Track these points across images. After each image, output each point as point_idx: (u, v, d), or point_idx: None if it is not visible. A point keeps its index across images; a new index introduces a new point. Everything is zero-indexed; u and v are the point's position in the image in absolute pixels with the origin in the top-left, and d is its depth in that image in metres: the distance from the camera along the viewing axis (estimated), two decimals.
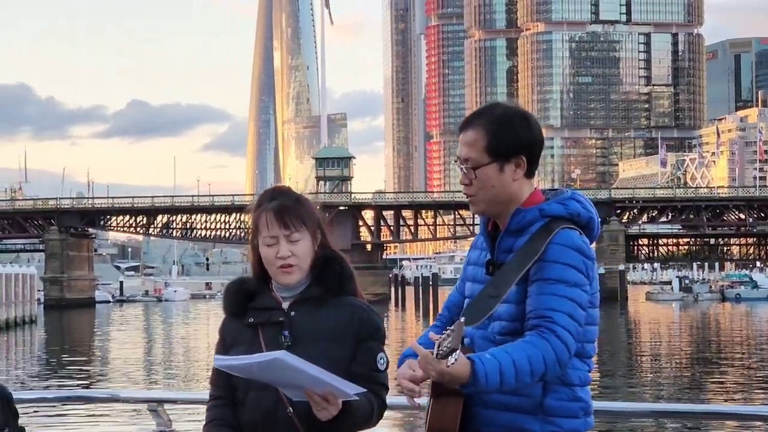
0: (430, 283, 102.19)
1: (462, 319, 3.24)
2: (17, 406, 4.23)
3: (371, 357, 3.59)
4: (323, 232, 3.70)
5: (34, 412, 21.47)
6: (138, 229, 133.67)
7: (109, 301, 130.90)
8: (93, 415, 23.42)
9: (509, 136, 3.63)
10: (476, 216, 3.87)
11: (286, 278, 3.62)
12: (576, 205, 3.64)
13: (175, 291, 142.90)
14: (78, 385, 35.66)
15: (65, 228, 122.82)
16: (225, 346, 3.68)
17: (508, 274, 3.52)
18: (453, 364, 3.23)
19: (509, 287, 3.49)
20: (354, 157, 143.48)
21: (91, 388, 33.39)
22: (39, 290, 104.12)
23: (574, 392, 3.60)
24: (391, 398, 3.79)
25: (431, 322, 3.93)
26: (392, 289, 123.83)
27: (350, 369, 3.53)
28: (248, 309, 3.67)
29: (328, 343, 3.55)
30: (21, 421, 4.21)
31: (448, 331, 3.23)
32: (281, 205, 3.62)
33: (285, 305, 3.63)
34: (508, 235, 3.64)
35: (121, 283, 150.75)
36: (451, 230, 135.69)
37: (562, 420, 3.57)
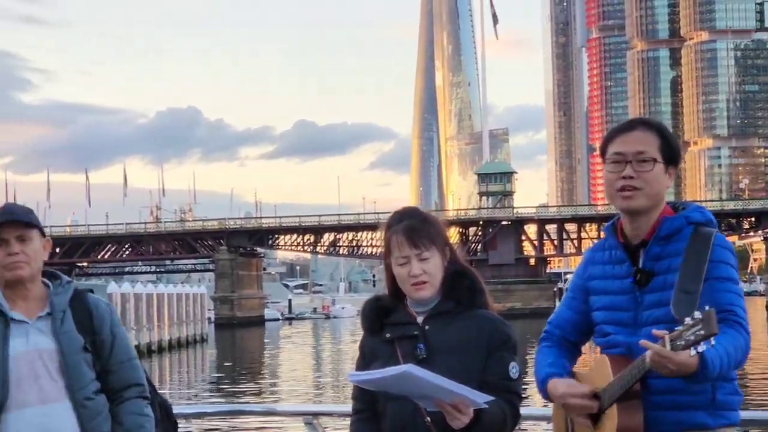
0: None
1: (708, 308, 3.27)
2: (182, 420, 4.48)
3: (503, 366, 3.73)
4: (452, 248, 3.89)
5: (198, 425, 22.12)
6: (305, 247, 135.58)
7: (278, 319, 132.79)
8: (250, 430, 23.94)
9: (674, 144, 3.84)
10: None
11: (419, 294, 3.80)
12: (707, 213, 3.81)
13: (342, 308, 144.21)
14: (241, 400, 36.45)
15: (234, 248, 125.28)
16: (365, 362, 3.89)
17: (693, 272, 3.63)
18: (695, 354, 3.30)
19: (700, 284, 3.60)
20: (516, 172, 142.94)
21: (254, 402, 34.08)
22: (209, 309, 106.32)
23: (734, 386, 3.77)
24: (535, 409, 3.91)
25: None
26: (557, 303, 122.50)
27: (483, 378, 3.68)
28: (385, 325, 3.87)
29: (461, 354, 3.71)
30: None
31: (689, 323, 3.28)
32: (410, 226, 3.81)
33: (419, 320, 3.82)
34: (657, 243, 3.77)
35: (290, 301, 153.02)
36: None
37: (729, 413, 3.74)
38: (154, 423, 4.20)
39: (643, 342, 3.42)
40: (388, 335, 3.83)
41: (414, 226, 3.81)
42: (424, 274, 3.77)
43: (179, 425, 4.55)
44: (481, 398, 3.48)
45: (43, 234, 4.19)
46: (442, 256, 3.82)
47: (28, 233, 4.10)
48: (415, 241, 3.77)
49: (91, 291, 4.36)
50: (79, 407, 4.01)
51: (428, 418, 3.63)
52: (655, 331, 3.39)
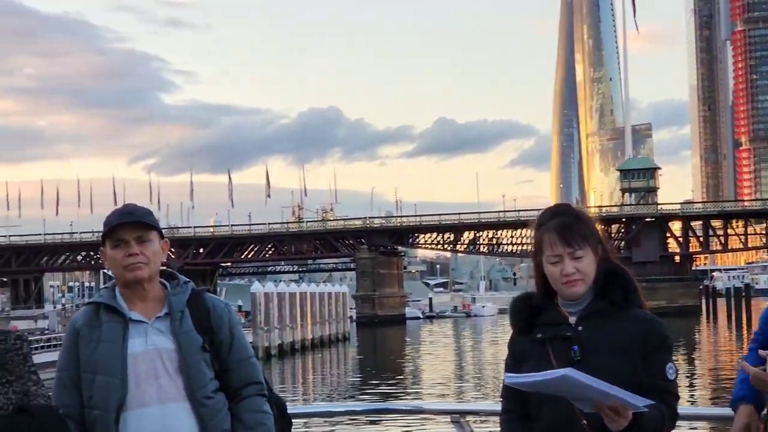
0: (743, 294, 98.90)
1: None
2: (328, 419, 4.50)
3: (660, 367, 3.62)
4: (604, 246, 3.78)
5: (345, 423, 22.24)
6: (445, 245, 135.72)
7: (419, 318, 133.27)
8: (396, 428, 24.00)
9: None
10: None
11: (572, 291, 3.69)
12: None
13: (483, 306, 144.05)
14: (387, 399, 36.61)
15: (375, 246, 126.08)
16: (515, 362, 3.79)
17: None
18: None
19: None
20: (659, 168, 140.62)
21: (397, 400, 34.18)
22: (351, 308, 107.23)
23: None
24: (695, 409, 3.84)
25: (744, 335, 3.95)
26: (703, 301, 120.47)
27: (639, 380, 3.58)
28: (535, 325, 3.78)
29: (616, 355, 3.60)
30: (328, 430, 4.48)
31: None
32: (563, 224, 3.71)
33: (572, 320, 3.71)
34: None
35: (430, 299, 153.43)
36: (764, 239, 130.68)
37: None
38: (273, 421, 4.19)
39: (742, 364, 3.36)
40: (539, 335, 3.74)
41: (567, 224, 3.71)
42: (577, 272, 3.67)
43: (326, 424, 4.57)
44: (640, 401, 3.40)
45: (161, 235, 4.21)
46: (595, 254, 3.72)
47: (148, 234, 4.12)
48: (568, 239, 3.68)
49: (209, 290, 4.39)
50: (199, 406, 4.02)
51: (585, 421, 3.56)
52: (762, 352, 3.32)
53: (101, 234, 4.18)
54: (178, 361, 4.03)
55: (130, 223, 4.10)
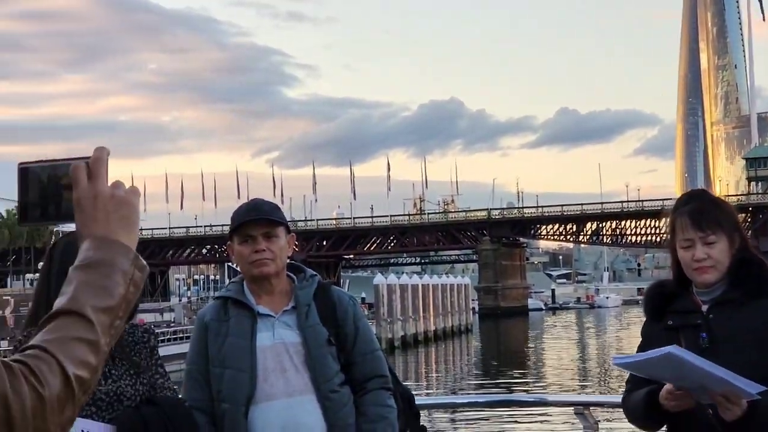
0: None
1: None
2: (451, 410, 4.48)
3: None
4: (742, 235, 3.71)
5: (468, 415, 22.22)
6: (568, 236, 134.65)
7: (541, 309, 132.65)
8: (519, 419, 23.91)
9: None
10: None
11: (702, 278, 3.63)
12: None
13: (607, 297, 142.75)
14: (509, 390, 36.48)
15: (497, 238, 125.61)
16: (645, 348, 3.75)
17: None
18: None
19: None
20: None
21: (520, 392, 34.07)
22: (473, 300, 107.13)
23: None
24: None
25: None
26: None
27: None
28: (667, 312, 3.73)
29: (746, 345, 3.52)
30: (453, 422, 4.46)
31: None
32: (696, 209, 3.65)
33: (704, 308, 3.65)
34: None
35: (553, 290, 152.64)
36: None
37: None
38: (397, 414, 4.19)
39: None
40: (670, 322, 3.70)
41: (700, 209, 3.65)
42: (709, 259, 3.61)
43: (446, 415, 4.55)
44: (754, 388, 3.31)
45: (288, 230, 4.24)
46: (730, 242, 3.65)
47: (274, 230, 4.16)
48: (701, 224, 3.62)
49: (335, 284, 4.41)
50: (325, 399, 4.04)
51: (710, 410, 3.49)
52: None
53: (229, 229, 4.25)
54: (304, 355, 4.08)
55: (257, 219, 4.15)
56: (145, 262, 1.79)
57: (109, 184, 1.80)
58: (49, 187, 1.83)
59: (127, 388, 3.69)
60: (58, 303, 1.68)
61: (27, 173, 1.83)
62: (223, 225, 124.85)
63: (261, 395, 4.03)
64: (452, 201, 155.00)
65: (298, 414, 4.01)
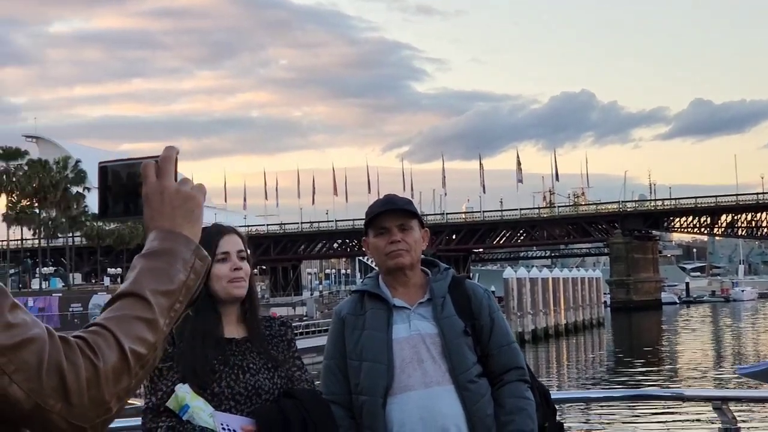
0: None
1: None
2: (584, 404, 4.45)
3: None
4: None
5: (602, 409, 22.01)
6: (702, 229, 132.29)
7: (675, 303, 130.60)
8: (654, 415, 23.59)
9: None
10: None
11: None
12: None
13: (742, 290, 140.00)
14: (642, 385, 36.04)
15: (629, 231, 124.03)
16: None
17: None
18: None
19: None
20: None
21: (654, 387, 33.59)
22: (605, 293, 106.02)
23: None
24: None
25: None
26: None
27: None
28: None
29: None
30: (586, 417, 4.44)
31: None
32: None
33: None
34: None
35: (687, 284, 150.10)
36: None
37: None
38: (535, 407, 4.18)
39: None
40: None
41: None
42: None
43: (579, 410, 4.52)
44: None
45: (422, 224, 4.30)
46: None
47: (408, 222, 4.22)
48: None
49: (469, 277, 4.42)
50: (463, 390, 4.06)
51: None
52: None
53: (364, 223, 4.33)
54: (441, 346, 4.11)
55: (391, 211, 4.21)
56: (206, 253, 1.93)
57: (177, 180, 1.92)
58: (128, 185, 1.96)
59: (265, 382, 3.76)
60: (122, 287, 1.83)
61: (106, 172, 1.96)
62: (354, 219, 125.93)
63: (398, 386, 4.07)
64: (583, 194, 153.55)
65: (437, 404, 4.04)
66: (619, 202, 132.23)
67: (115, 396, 1.70)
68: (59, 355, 1.65)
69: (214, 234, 3.86)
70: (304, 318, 75.89)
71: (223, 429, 3.61)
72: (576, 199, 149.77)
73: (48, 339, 1.66)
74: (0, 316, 1.64)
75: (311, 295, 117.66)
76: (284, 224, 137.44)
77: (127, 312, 1.77)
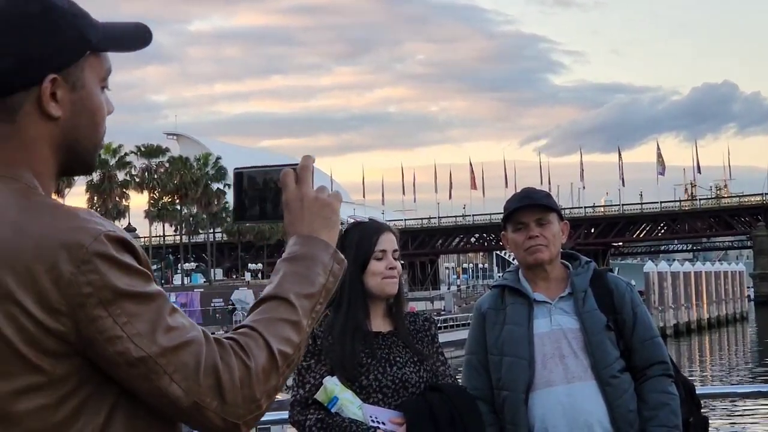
0: None
1: None
2: (729, 400, 4.41)
3: None
4: None
5: (748, 404, 21.60)
6: None
7: None
8: None
9: None
10: None
11: None
12: None
13: None
14: None
15: None
16: None
17: None
18: None
19: None
20: None
21: None
22: (748, 287, 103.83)
23: None
24: None
25: None
26: None
27: None
28: None
29: None
30: (731, 413, 4.40)
31: None
32: None
33: None
34: None
35: None
36: None
37: None
38: (679, 402, 4.14)
39: None
40: None
41: None
42: None
43: (724, 405, 4.48)
44: None
45: (561, 217, 4.29)
46: None
47: (547, 216, 4.22)
48: None
49: (611, 271, 4.41)
50: (605, 385, 4.04)
51: None
52: None
53: (502, 218, 4.33)
54: (583, 341, 4.09)
55: (529, 206, 4.21)
56: (343, 257, 2.05)
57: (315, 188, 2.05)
58: (265, 190, 2.09)
59: (412, 375, 3.82)
60: (266, 290, 1.96)
61: (242, 177, 2.10)
62: (491, 214, 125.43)
63: (540, 382, 4.07)
64: (725, 186, 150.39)
65: (579, 400, 4.03)
66: (762, 194, 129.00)
67: (265, 394, 1.83)
68: (215, 356, 1.78)
69: (373, 231, 3.94)
70: (442, 312, 76.00)
71: (372, 421, 3.68)
72: (718, 192, 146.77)
73: (204, 341, 1.80)
74: (161, 319, 1.77)
75: (449, 289, 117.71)
76: (421, 219, 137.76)
77: (273, 314, 1.90)
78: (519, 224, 4.23)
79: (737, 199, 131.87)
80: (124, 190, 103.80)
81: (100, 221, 1.79)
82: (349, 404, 3.69)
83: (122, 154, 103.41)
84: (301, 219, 2.03)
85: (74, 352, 1.75)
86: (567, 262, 4.31)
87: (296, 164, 2.06)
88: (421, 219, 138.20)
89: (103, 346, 1.74)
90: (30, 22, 1.84)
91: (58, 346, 1.74)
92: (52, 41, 1.85)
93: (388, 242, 3.95)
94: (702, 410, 4.44)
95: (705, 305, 76.49)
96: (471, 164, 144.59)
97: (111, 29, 1.95)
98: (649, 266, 75.13)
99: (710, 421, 4.55)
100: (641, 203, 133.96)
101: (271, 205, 2.08)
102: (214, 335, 1.85)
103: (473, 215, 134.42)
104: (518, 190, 4.45)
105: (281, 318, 1.90)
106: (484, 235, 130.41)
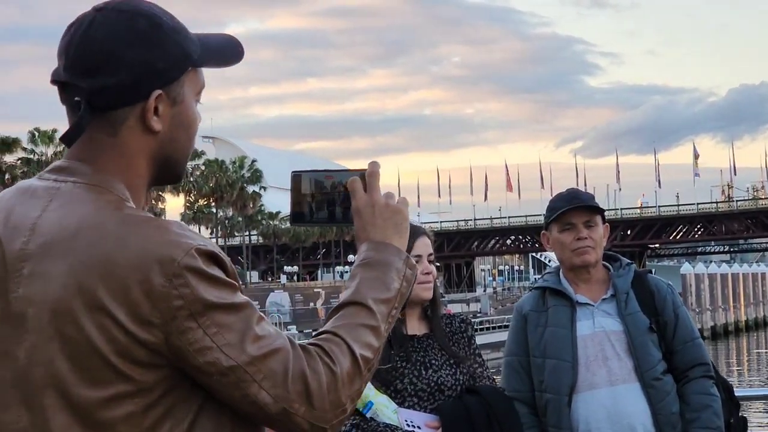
0: None
1: None
2: (755, 404, 4.36)
3: None
4: None
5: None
6: None
7: None
8: None
9: None
10: None
11: None
12: None
13: None
14: None
15: None
16: None
17: None
18: None
19: None
20: None
21: None
22: None
23: None
24: None
25: None
26: None
27: None
28: None
29: None
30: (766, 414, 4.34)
31: None
32: None
33: None
34: None
35: None
36: None
37: None
38: (720, 403, 4.12)
39: None
40: None
41: None
42: None
43: (763, 407, 4.44)
44: None
45: (604, 219, 4.27)
46: None
47: (594, 218, 4.21)
48: None
49: (651, 272, 4.39)
50: (648, 387, 4.02)
51: None
52: None
53: (545, 217, 4.30)
54: (626, 343, 4.08)
55: (578, 207, 4.18)
56: (414, 262, 2.11)
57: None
58: (332, 194, 2.13)
59: (448, 378, 3.78)
60: (344, 295, 2.02)
61: (300, 180, 2.14)
62: (526, 216, 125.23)
63: (583, 384, 4.05)
64: (762, 187, 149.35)
65: (623, 403, 4.01)
66: None
67: (350, 398, 1.89)
68: (302, 363, 1.84)
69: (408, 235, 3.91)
70: (478, 314, 76.00)
71: (408, 425, 3.65)
72: (755, 193, 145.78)
73: (291, 348, 1.86)
74: (249, 329, 1.82)
75: (485, 291, 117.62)
76: (457, 221, 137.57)
77: (353, 320, 1.96)
78: (567, 225, 4.21)
79: None
80: (160, 192, 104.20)
81: (191, 235, 1.85)
82: (384, 408, 3.66)
83: None
84: (374, 225, 2.08)
85: (164, 363, 1.81)
86: (608, 264, 4.28)
87: (362, 171, 2.12)
88: (457, 221, 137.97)
89: (194, 356, 1.80)
90: (140, 39, 1.90)
91: (148, 357, 1.80)
92: (162, 57, 1.92)
93: (423, 246, 3.93)
94: (740, 411, 4.39)
95: (742, 307, 76.07)
96: (506, 166, 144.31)
97: (207, 43, 2.03)
98: (686, 268, 74.78)
99: (747, 423, 4.50)
100: (678, 204, 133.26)
101: (341, 209, 2.12)
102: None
103: (509, 217, 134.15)
104: (560, 191, 4.44)
105: (361, 323, 1.96)
106: (520, 237, 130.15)
